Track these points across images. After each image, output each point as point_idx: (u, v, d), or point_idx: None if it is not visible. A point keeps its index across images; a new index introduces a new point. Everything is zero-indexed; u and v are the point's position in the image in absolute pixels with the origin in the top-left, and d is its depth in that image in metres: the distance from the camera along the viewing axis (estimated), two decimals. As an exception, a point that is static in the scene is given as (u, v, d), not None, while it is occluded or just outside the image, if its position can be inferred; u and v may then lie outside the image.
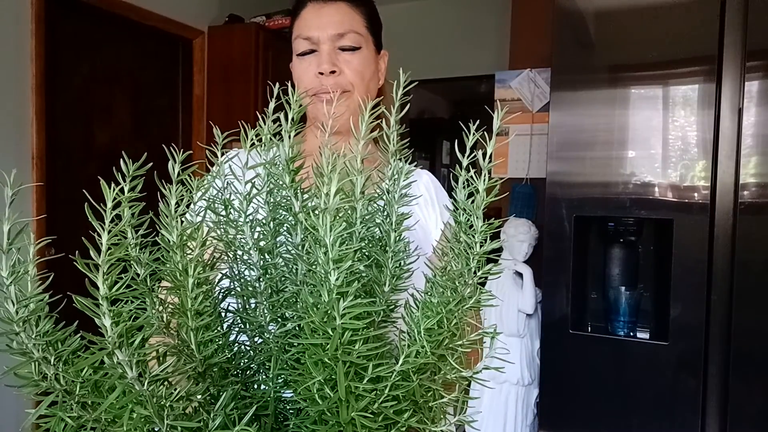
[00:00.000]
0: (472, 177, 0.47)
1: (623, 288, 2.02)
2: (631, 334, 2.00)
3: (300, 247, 0.49)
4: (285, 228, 0.51)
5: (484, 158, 0.47)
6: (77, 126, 2.73)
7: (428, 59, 3.94)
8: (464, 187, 0.48)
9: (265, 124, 0.51)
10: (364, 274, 0.46)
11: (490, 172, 0.47)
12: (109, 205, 0.40)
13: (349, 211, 0.48)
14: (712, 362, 1.81)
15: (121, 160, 0.43)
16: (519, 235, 2.55)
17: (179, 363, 0.43)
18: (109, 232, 0.38)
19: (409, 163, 0.52)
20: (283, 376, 0.48)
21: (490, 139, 0.47)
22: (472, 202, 0.47)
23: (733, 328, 1.77)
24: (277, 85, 0.50)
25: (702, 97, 1.83)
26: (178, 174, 0.47)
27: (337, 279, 0.39)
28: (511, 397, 2.45)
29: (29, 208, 2.41)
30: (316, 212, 0.41)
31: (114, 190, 0.40)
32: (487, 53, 3.75)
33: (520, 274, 2.54)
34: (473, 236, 0.46)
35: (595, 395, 1.97)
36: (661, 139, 1.89)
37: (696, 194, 1.83)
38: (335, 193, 0.41)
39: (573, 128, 2.00)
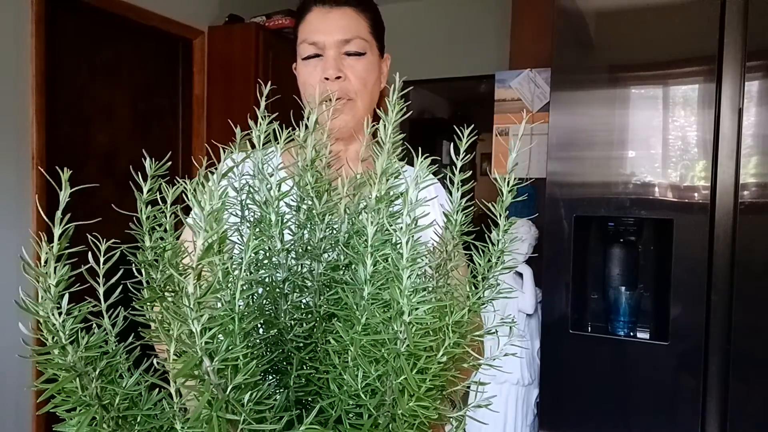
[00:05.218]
0: (496, 179, 0.50)
1: (623, 288, 2.02)
2: (631, 334, 2.00)
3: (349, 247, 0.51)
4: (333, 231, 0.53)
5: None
6: (77, 126, 2.73)
7: (428, 59, 3.93)
8: (458, 189, 0.49)
9: (287, 127, 0.53)
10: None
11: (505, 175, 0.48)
12: (168, 209, 0.40)
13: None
14: (712, 362, 1.81)
15: (143, 159, 0.43)
16: (519, 236, 2.55)
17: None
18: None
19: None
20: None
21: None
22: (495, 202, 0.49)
23: (733, 328, 1.77)
24: (269, 84, 0.51)
25: (702, 97, 1.83)
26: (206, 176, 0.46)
27: (409, 277, 0.42)
28: (511, 397, 2.45)
29: (29, 209, 2.41)
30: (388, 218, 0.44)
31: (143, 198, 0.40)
32: (487, 53, 3.75)
33: (520, 274, 2.54)
34: (497, 233, 0.50)
35: (595, 395, 1.97)
36: (661, 139, 1.89)
37: (696, 194, 1.83)
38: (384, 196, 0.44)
39: (573, 128, 2.00)
